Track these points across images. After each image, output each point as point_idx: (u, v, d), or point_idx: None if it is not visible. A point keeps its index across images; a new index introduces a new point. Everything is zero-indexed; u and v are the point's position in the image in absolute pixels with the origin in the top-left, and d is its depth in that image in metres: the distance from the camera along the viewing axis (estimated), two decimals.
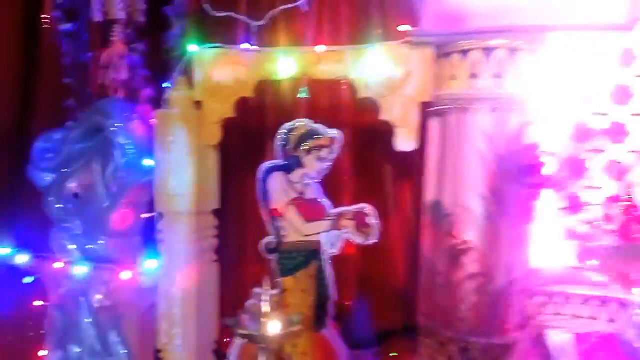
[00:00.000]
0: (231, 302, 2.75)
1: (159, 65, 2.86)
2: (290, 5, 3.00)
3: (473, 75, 2.19)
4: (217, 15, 3.07)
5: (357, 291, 2.96)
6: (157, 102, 2.73)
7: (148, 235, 2.76)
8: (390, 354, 2.87)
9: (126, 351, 2.85)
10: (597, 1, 2.16)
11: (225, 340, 2.77)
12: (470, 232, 2.13)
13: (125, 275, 2.73)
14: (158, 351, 2.75)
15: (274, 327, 2.00)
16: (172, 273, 2.68)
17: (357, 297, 2.98)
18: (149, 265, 2.71)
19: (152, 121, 2.69)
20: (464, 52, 2.21)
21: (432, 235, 2.27)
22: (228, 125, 2.64)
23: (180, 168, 2.65)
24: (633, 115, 2.70)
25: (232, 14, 3.07)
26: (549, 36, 2.20)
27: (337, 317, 2.65)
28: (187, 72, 2.67)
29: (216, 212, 2.79)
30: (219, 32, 3.05)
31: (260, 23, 2.95)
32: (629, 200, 2.49)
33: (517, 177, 2.04)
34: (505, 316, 2.17)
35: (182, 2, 3.04)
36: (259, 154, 2.63)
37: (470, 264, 2.09)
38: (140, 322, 2.85)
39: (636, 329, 2.35)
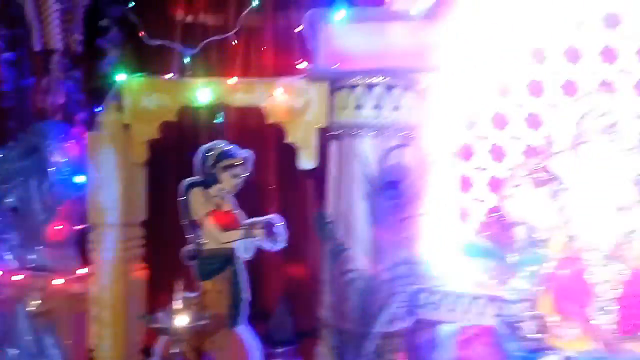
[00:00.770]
0: (159, 304, 3.06)
1: (92, 91, 3.18)
2: (220, 37, 3.40)
3: (358, 106, 2.61)
4: (153, 44, 3.43)
5: (276, 293, 3.33)
6: (90, 124, 3.04)
7: (81, 245, 3.04)
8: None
9: (60, 353, 3.12)
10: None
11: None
12: (350, 237, 2.53)
13: (59, 282, 3.01)
14: (90, 351, 3.03)
15: (182, 320, 2.34)
16: (103, 280, 2.98)
17: (275, 298, 3.35)
18: (82, 272, 3.00)
19: (85, 142, 3.00)
20: (352, 87, 2.63)
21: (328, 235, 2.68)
22: (154, 146, 2.97)
23: (110, 184, 2.98)
24: (511, 138, 3.21)
25: (166, 42, 3.44)
26: (422, 74, 2.65)
27: (255, 316, 3.00)
28: (117, 98, 3.00)
29: (143, 224, 3.10)
30: (152, 60, 3.40)
31: (193, 52, 3.32)
32: (500, 209, 2.97)
33: (385, 191, 2.45)
34: (387, 308, 2.55)
35: (116, 33, 3.37)
36: (182, 171, 2.96)
37: (349, 262, 2.50)
38: (74, 325, 3.13)
39: (504, 323, 2.79)
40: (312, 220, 2.78)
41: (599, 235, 2.63)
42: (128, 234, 3.01)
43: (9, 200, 3.14)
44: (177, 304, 2.44)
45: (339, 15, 2.55)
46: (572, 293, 2.58)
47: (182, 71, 3.31)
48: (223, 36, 3.41)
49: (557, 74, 3.16)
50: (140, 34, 3.46)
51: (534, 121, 3.20)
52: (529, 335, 2.52)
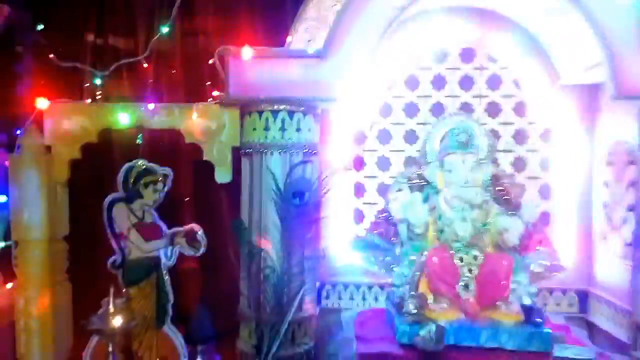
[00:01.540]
0: (87, 312, 3.28)
1: (12, 114, 3.31)
2: (131, 60, 3.66)
3: (266, 128, 3.06)
4: (63, 65, 3.61)
5: (197, 295, 3.67)
6: (11, 147, 3.18)
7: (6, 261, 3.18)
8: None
9: None
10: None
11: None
12: (264, 239, 2.98)
13: None
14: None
15: (117, 321, 2.63)
16: (30, 293, 3.14)
17: (197, 300, 3.68)
18: (7, 287, 3.14)
19: (6, 163, 3.15)
20: (260, 112, 3.07)
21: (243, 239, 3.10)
22: (76, 165, 3.20)
23: (33, 202, 3.14)
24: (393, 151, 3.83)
25: (76, 65, 3.63)
26: (318, 102, 3.16)
27: (179, 317, 3.32)
28: (38, 122, 3.18)
29: (66, 238, 3.30)
30: (67, 83, 3.59)
31: (104, 73, 3.55)
32: (387, 210, 3.56)
33: (291, 199, 2.92)
34: (297, 298, 3.01)
35: (29, 58, 3.52)
36: (105, 188, 3.21)
37: (263, 261, 2.94)
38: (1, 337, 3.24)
39: (392, 303, 3.38)
40: (230, 227, 3.18)
41: (461, 228, 3.33)
42: (52, 248, 3.19)
43: None
44: (110, 308, 2.71)
45: (247, 52, 2.98)
46: (442, 275, 3.22)
47: (94, 93, 3.55)
48: (133, 59, 3.67)
49: (427, 98, 3.86)
50: (50, 57, 3.63)
51: (410, 137, 3.87)
52: (411, 311, 3.11)
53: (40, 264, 3.16)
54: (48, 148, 3.19)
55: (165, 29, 3.62)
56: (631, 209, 3.22)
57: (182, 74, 3.73)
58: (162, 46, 3.76)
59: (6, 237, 3.17)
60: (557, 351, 2.97)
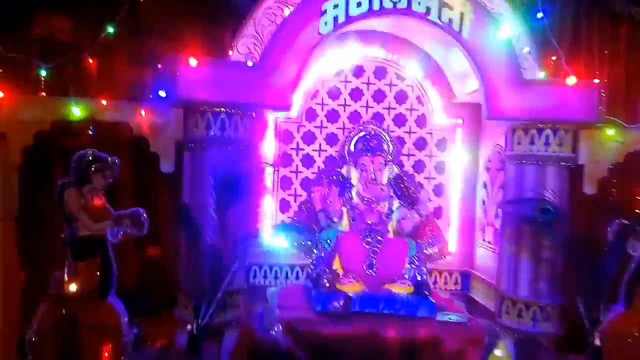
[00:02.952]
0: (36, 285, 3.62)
1: None
2: (77, 55, 3.98)
3: (207, 127, 3.56)
4: (9, 56, 3.88)
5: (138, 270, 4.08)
6: None
7: None
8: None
9: None
10: None
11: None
12: (203, 221, 3.48)
13: None
14: None
15: (72, 287, 3.04)
16: None
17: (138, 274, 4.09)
18: None
19: None
20: (202, 113, 3.57)
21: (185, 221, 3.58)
22: (30, 152, 3.52)
23: None
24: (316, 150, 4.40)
25: (21, 56, 3.89)
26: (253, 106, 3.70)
27: (121, 290, 3.73)
28: None
29: (17, 219, 3.61)
30: (17, 75, 3.85)
31: (50, 66, 3.86)
32: (309, 201, 4.17)
33: (227, 188, 3.45)
34: (229, 271, 3.53)
35: None
36: (58, 174, 3.56)
37: (202, 240, 3.44)
38: None
39: (310, 279, 3.99)
40: (175, 210, 3.64)
41: (369, 217, 4.01)
42: (4, 228, 3.50)
43: None
44: (65, 277, 3.10)
45: (194, 61, 3.46)
46: (351, 255, 3.89)
47: (39, 85, 3.84)
48: (78, 55, 4.00)
49: (346, 107, 4.52)
50: None
51: (331, 139, 4.52)
52: (325, 285, 3.74)
53: None
54: (2, 136, 3.48)
55: (111, 29, 4.00)
56: (499, 206, 4.07)
57: (127, 72, 4.10)
58: (109, 44, 4.10)
59: None
60: (439, 317, 3.73)
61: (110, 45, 4.05)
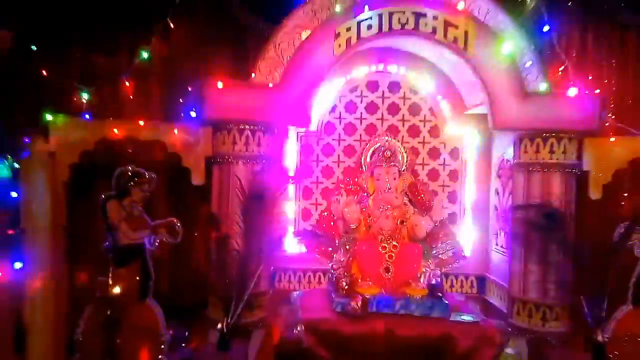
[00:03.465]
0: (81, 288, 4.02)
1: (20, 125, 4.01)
2: (114, 79, 4.39)
3: (233, 143, 3.90)
4: (55, 81, 4.32)
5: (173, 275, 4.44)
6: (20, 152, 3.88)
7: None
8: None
9: None
10: None
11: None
12: (231, 229, 3.82)
13: None
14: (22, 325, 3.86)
15: (116, 290, 3.40)
16: (34, 271, 3.84)
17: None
18: (17, 267, 3.83)
19: (17, 166, 3.84)
20: (228, 130, 3.91)
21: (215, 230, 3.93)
22: (76, 168, 3.93)
23: (40, 196, 3.85)
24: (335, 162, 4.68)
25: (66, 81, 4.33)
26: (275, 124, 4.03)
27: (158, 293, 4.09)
28: (44, 132, 3.89)
29: (64, 227, 4.01)
30: (63, 97, 4.29)
31: (89, 89, 4.27)
32: (329, 209, 4.47)
33: (252, 199, 3.78)
34: (255, 275, 3.85)
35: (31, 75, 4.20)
36: (101, 188, 3.96)
37: (230, 246, 3.77)
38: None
39: (330, 282, 4.28)
40: (205, 219, 4.00)
41: (384, 224, 4.28)
42: (54, 234, 3.90)
43: None
44: (109, 280, 3.48)
45: (221, 84, 3.82)
46: (368, 260, 4.16)
47: (82, 107, 4.26)
48: (116, 79, 4.42)
49: (363, 121, 4.81)
50: (41, 72, 4.34)
51: (349, 151, 4.81)
52: (344, 287, 4.02)
53: (44, 246, 3.87)
54: (52, 154, 3.90)
55: (145, 54, 4.40)
56: (508, 212, 4.27)
57: (161, 94, 4.50)
58: (144, 68, 4.51)
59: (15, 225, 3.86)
60: (452, 317, 3.96)
61: (144, 70, 4.46)
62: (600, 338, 3.52)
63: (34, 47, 4.48)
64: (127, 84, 4.45)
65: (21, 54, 4.36)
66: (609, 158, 3.95)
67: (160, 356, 4.01)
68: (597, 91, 3.99)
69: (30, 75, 4.30)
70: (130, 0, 4.47)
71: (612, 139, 3.93)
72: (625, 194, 4.18)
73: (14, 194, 3.87)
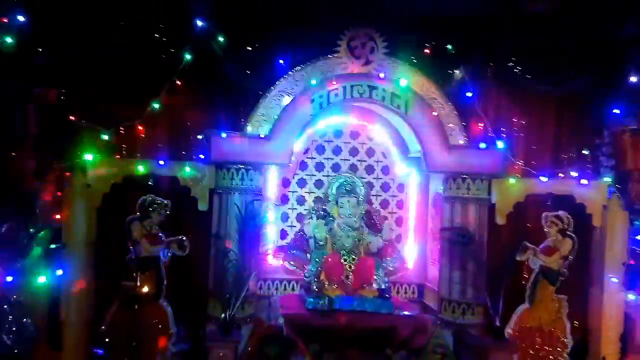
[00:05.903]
0: (107, 291, 5.08)
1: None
2: (130, 124, 5.52)
3: (231, 179, 5.11)
4: (83, 126, 5.41)
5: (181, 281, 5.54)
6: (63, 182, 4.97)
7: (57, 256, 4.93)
8: None
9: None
10: None
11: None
12: (232, 244, 5.00)
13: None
14: (62, 323, 4.89)
15: (144, 289, 4.54)
16: (72, 276, 4.90)
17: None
18: (59, 273, 4.89)
19: (62, 195, 4.93)
20: (228, 169, 5.13)
21: (215, 245, 5.10)
22: (107, 198, 5.04)
23: (79, 218, 4.93)
24: (307, 192, 5.93)
25: (91, 125, 5.43)
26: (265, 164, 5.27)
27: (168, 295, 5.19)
28: (83, 168, 4.99)
29: (94, 243, 5.08)
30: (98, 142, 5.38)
31: (111, 133, 5.39)
32: (302, 230, 5.71)
33: (247, 223, 4.98)
34: (247, 280, 5.02)
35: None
36: (129, 212, 5.08)
37: (230, 256, 4.95)
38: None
39: (303, 288, 5.50)
40: (207, 237, 5.18)
41: (346, 242, 5.55)
42: (86, 249, 4.98)
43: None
44: (138, 283, 4.61)
45: (223, 134, 5.05)
46: (333, 269, 5.40)
47: (104, 148, 5.36)
48: (132, 124, 5.54)
49: (329, 160, 6.11)
50: (71, 119, 5.44)
51: (318, 184, 6.08)
52: (315, 290, 5.25)
53: (80, 258, 4.94)
54: (89, 185, 5.01)
55: (156, 105, 5.56)
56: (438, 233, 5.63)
57: (175, 139, 5.67)
58: (158, 117, 5.64)
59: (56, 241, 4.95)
60: (396, 312, 5.24)
61: (159, 118, 5.59)
62: (498, 323, 4.86)
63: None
64: (140, 128, 5.61)
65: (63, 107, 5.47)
66: (510, 194, 5.36)
67: (170, 346, 5.13)
68: (501, 146, 5.39)
69: (70, 122, 5.40)
70: (145, 62, 5.64)
71: (512, 180, 5.36)
72: (523, 221, 5.60)
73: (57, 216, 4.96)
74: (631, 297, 5.45)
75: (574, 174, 5.59)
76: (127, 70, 5.54)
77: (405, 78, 5.24)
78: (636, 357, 5.47)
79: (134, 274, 5.04)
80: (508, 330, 5.29)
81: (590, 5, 5.69)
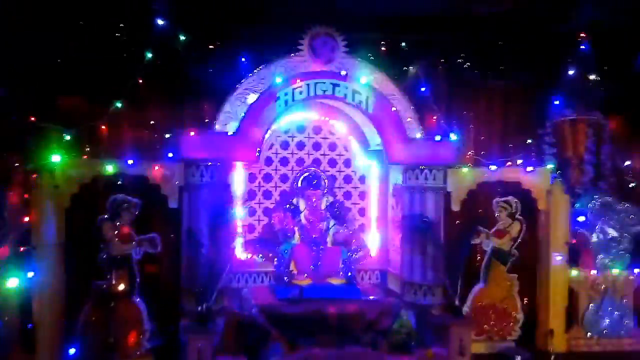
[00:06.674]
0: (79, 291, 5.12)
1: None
2: (92, 124, 5.55)
3: (200, 176, 5.25)
4: (43, 127, 5.40)
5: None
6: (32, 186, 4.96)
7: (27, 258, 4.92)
8: None
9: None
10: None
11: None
12: (202, 239, 5.15)
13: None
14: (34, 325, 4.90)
15: (120, 286, 4.63)
16: (42, 279, 4.92)
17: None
18: (30, 276, 4.89)
19: (29, 197, 4.92)
20: (197, 166, 5.26)
21: (187, 241, 5.23)
22: (75, 198, 5.07)
23: (48, 220, 4.94)
24: (274, 187, 6.13)
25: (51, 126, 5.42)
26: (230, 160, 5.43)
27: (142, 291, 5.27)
28: (50, 170, 4.99)
29: (65, 244, 5.10)
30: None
31: (73, 133, 5.40)
32: (271, 224, 5.92)
33: (215, 217, 5.14)
34: (219, 274, 5.19)
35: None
36: (99, 211, 5.14)
37: (202, 251, 5.10)
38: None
39: (274, 278, 5.72)
40: (178, 234, 5.30)
41: (313, 232, 5.80)
42: (56, 250, 4.99)
43: None
44: (113, 281, 4.69)
45: (191, 132, 5.18)
46: (302, 260, 5.65)
47: (70, 149, 5.37)
48: (93, 124, 5.57)
49: (294, 155, 6.33)
50: (32, 119, 5.42)
51: (284, 178, 6.30)
52: (285, 280, 5.48)
53: (49, 259, 4.96)
54: (57, 187, 5.02)
55: (118, 104, 5.61)
56: (399, 221, 5.98)
57: (137, 136, 5.74)
58: (122, 115, 5.69)
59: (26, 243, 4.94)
60: (362, 297, 5.55)
61: (123, 117, 5.66)
62: (457, 303, 5.26)
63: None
64: (104, 128, 5.65)
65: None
66: (464, 182, 5.76)
67: (143, 341, 5.24)
68: (455, 138, 5.78)
69: (31, 123, 5.37)
70: (107, 62, 5.67)
71: (465, 169, 5.75)
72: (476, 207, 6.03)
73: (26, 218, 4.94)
74: (574, 273, 5.96)
75: (520, 162, 6.05)
76: (89, 69, 5.59)
77: (365, 75, 5.53)
78: (579, 328, 6.00)
79: (106, 273, 5.12)
80: (465, 309, 5.70)
81: (534, 5, 6.16)
